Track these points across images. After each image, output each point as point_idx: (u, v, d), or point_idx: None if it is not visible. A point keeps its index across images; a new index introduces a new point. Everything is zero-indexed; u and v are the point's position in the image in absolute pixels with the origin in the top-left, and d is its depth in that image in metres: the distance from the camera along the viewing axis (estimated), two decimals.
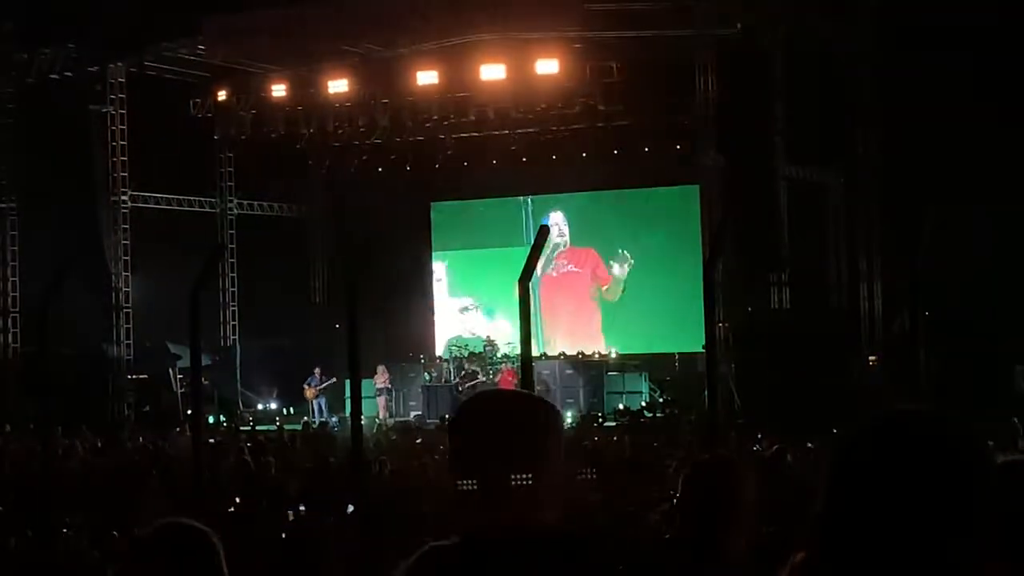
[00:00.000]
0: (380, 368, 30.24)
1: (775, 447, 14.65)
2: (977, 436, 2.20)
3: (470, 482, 2.89)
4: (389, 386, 30.83)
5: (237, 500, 13.05)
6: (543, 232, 9.34)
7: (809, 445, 16.42)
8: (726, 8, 27.58)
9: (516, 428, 2.94)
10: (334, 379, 30.46)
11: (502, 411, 3.05)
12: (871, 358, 27.51)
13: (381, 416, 29.70)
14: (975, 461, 2.17)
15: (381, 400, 30.25)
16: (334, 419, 29.27)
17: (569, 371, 31.16)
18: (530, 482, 2.87)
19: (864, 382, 26.16)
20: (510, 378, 30.34)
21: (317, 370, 30.97)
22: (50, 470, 11.78)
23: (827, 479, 2.18)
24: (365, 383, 27.67)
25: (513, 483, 2.85)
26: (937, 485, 2.12)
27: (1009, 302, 25.57)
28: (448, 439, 3.05)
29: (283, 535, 11.86)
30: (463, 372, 31.56)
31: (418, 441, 21.33)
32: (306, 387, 31.14)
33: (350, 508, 11.46)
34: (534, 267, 9.04)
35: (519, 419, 2.98)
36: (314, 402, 30.97)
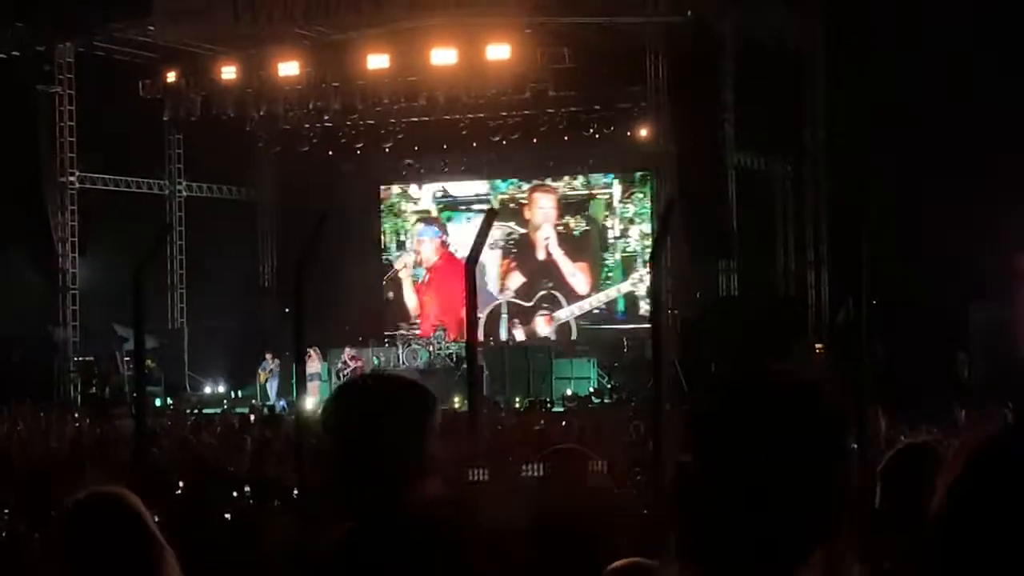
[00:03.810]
0: (312, 352, 29.92)
1: None
2: (827, 400, 2.21)
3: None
4: (319, 370, 30.56)
5: (181, 484, 13.01)
6: (490, 215, 9.38)
7: None
8: None
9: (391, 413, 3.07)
10: (278, 361, 30.34)
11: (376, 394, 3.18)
12: (817, 346, 27.70)
13: (315, 400, 29.36)
14: (821, 423, 2.18)
15: (313, 385, 29.91)
16: (282, 402, 29.18)
17: (516, 356, 31.17)
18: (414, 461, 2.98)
19: (808, 370, 26.32)
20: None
21: (268, 355, 30.81)
22: None
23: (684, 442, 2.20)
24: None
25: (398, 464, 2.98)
26: (778, 446, 2.12)
27: (953, 290, 25.82)
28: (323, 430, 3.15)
29: (228, 517, 11.85)
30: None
31: None
32: (260, 371, 31.05)
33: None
34: (480, 251, 9.08)
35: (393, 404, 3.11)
36: (266, 385, 30.84)
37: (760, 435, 2.13)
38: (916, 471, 4.12)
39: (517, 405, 27.24)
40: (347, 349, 31.38)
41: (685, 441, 2.18)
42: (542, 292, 34.43)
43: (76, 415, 25.55)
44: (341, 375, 30.32)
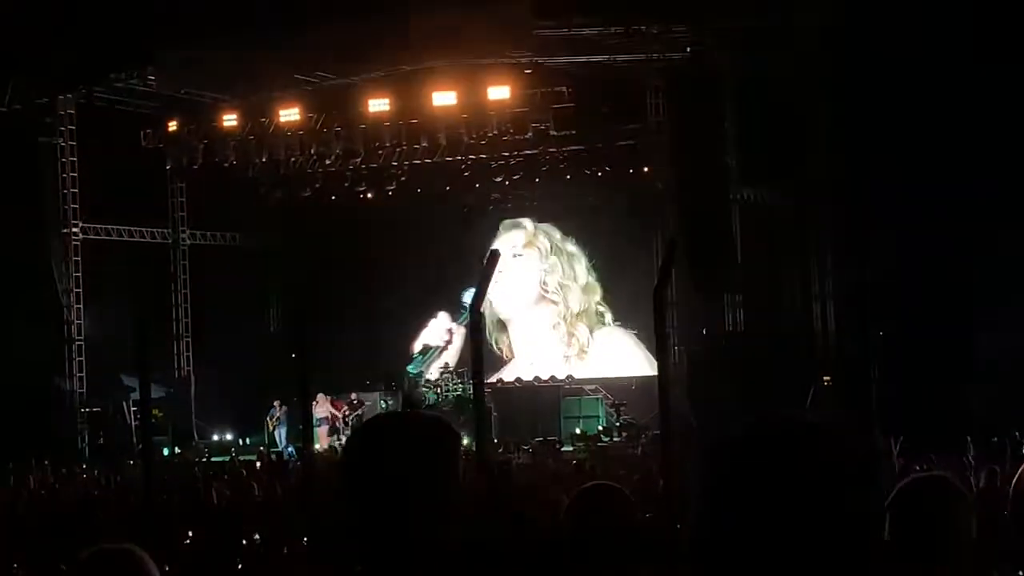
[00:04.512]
0: (320, 397, 29.87)
1: None
2: (856, 443, 2.18)
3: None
4: (328, 415, 30.55)
5: (190, 532, 12.96)
6: (494, 257, 9.28)
7: None
8: (675, 32, 27.73)
9: (416, 449, 2.95)
10: (286, 408, 30.33)
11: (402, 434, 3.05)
12: (825, 378, 27.60)
13: (323, 445, 29.29)
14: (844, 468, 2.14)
15: (322, 430, 29.91)
16: (290, 449, 29.10)
17: (525, 396, 31.10)
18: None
19: (817, 402, 26.24)
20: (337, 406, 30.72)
21: (276, 402, 30.81)
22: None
23: (699, 488, 2.16)
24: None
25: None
26: (802, 492, 2.10)
27: (960, 319, 25.76)
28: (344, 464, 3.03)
29: (238, 565, 11.80)
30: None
31: None
32: (268, 419, 31.08)
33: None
34: (485, 293, 9.00)
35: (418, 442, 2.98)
36: (275, 432, 30.83)
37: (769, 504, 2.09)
38: (926, 504, 4.05)
39: (527, 447, 27.14)
40: (353, 394, 31.34)
41: (695, 513, 2.15)
42: None
43: (84, 466, 25.50)
44: (348, 419, 30.31)
